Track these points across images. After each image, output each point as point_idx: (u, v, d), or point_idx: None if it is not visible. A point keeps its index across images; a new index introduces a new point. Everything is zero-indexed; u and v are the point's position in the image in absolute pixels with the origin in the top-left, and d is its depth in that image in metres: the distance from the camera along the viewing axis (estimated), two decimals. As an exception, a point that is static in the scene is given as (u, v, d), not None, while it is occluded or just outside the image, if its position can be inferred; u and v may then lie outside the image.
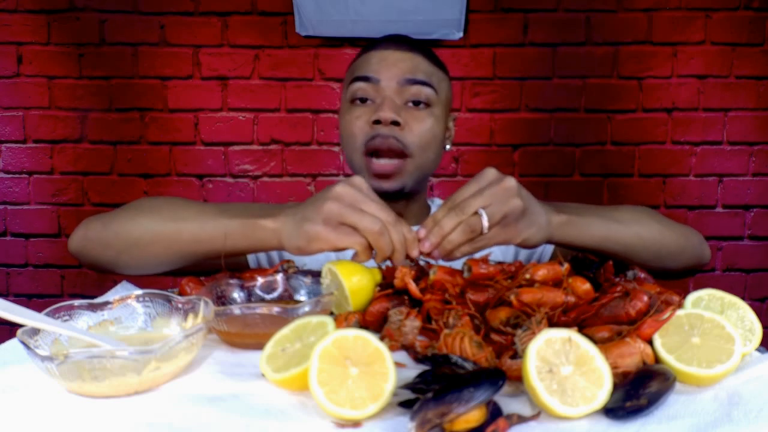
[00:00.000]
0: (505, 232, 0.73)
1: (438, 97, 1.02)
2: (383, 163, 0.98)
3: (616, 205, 0.94)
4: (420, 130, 0.99)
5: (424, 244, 0.72)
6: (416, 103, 1.00)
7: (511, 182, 0.72)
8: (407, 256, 0.73)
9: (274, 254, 1.10)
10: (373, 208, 0.70)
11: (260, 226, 0.75)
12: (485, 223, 0.70)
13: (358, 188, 0.72)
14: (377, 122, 0.97)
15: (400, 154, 0.98)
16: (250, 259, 1.08)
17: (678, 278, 0.92)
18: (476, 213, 0.71)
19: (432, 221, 0.72)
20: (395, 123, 0.97)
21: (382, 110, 0.96)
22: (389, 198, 1.00)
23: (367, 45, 1.08)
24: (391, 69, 0.99)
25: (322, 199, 0.70)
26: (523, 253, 1.14)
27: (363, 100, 1.00)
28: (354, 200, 0.70)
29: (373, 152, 0.99)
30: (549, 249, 1.11)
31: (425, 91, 0.99)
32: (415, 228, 0.76)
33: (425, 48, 1.06)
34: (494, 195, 0.71)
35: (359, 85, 1.00)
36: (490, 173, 0.73)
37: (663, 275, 0.88)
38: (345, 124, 1.02)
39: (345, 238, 0.70)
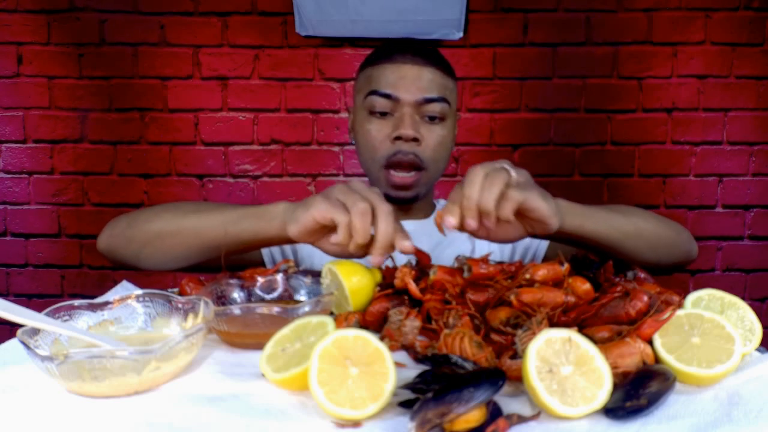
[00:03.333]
0: (528, 192, 0.70)
1: (450, 109, 1.08)
2: (402, 176, 1.05)
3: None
4: (435, 143, 1.06)
5: (469, 224, 0.69)
6: (431, 118, 1.05)
7: (506, 163, 0.73)
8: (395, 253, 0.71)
9: (288, 251, 1.13)
10: (370, 196, 0.71)
11: (266, 212, 0.79)
12: (511, 170, 0.70)
13: (366, 185, 0.75)
14: (398, 138, 1.03)
15: (418, 167, 1.05)
16: (265, 256, 1.11)
17: (668, 273, 0.95)
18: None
19: (450, 207, 0.70)
20: (414, 139, 1.03)
21: (404, 127, 1.02)
22: (403, 204, 1.10)
23: (381, 51, 1.10)
24: (409, 87, 1.03)
25: (323, 192, 0.75)
26: (519, 251, 1.16)
27: (382, 114, 1.06)
28: (358, 187, 0.73)
29: (392, 165, 1.05)
30: (543, 247, 1.13)
31: (441, 107, 1.05)
32: (415, 222, 0.73)
33: (437, 58, 1.09)
34: (501, 162, 0.72)
35: (378, 99, 1.05)
36: (481, 164, 0.73)
37: (654, 269, 0.89)
38: (365, 135, 1.07)
39: (333, 210, 0.71)
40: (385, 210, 0.70)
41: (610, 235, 0.82)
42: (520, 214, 0.73)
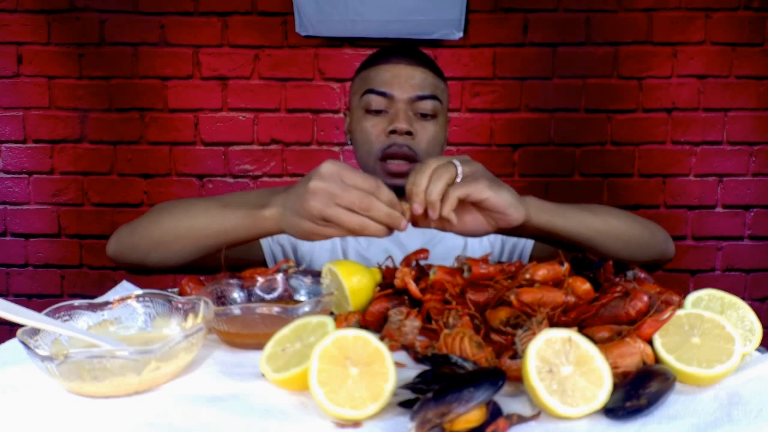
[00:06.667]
0: (474, 182, 0.72)
1: (442, 107, 1.14)
2: (397, 164, 1.10)
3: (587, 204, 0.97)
4: (428, 138, 1.11)
5: (416, 209, 0.72)
6: (424, 115, 1.11)
7: (458, 158, 0.76)
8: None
9: (288, 248, 1.16)
10: (350, 199, 0.70)
11: (261, 217, 0.79)
12: (458, 165, 0.73)
13: (330, 178, 0.71)
14: (393, 132, 1.08)
15: (412, 159, 1.09)
16: (267, 255, 1.14)
17: (648, 271, 0.96)
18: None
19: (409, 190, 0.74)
20: (408, 133, 1.08)
21: (398, 121, 1.07)
22: (400, 194, 1.08)
23: (377, 54, 1.16)
24: (403, 85, 1.09)
25: (303, 195, 0.71)
26: (508, 247, 1.18)
27: (377, 111, 1.11)
28: (330, 194, 0.70)
29: (387, 156, 1.10)
30: (529, 245, 1.16)
31: (433, 104, 1.10)
32: None
33: (429, 60, 1.15)
34: (453, 158, 0.75)
35: (374, 98, 1.10)
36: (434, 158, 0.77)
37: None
38: (361, 131, 1.12)
39: (332, 231, 0.73)
40: (368, 205, 0.70)
41: (581, 233, 0.84)
42: (478, 207, 0.76)
